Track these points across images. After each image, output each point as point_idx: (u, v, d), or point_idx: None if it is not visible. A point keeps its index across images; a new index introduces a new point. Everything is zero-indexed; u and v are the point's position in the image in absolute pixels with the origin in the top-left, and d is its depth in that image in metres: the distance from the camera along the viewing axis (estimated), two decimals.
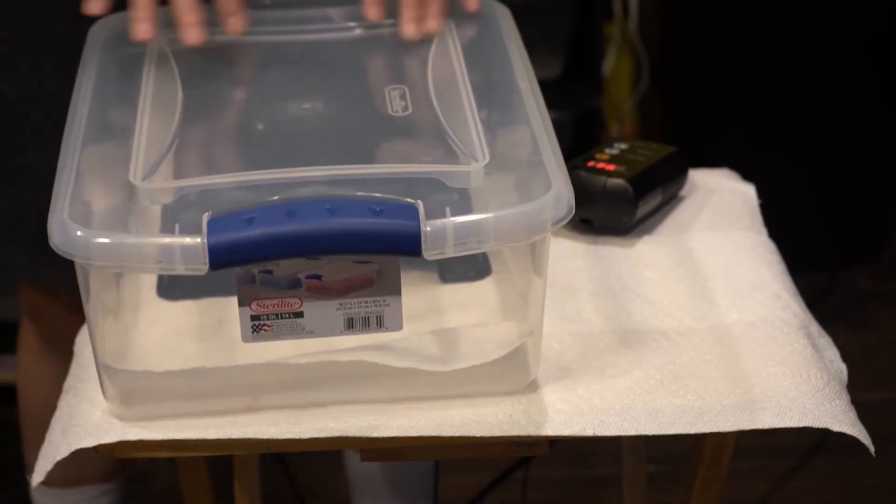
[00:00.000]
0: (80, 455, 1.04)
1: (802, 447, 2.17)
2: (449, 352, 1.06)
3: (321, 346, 1.03)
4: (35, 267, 1.46)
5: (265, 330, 1.00)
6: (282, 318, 1.00)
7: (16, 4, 1.36)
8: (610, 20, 2.73)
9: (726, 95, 2.59)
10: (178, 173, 1.03)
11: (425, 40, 1.18)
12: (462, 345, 1.07)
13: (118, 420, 1.04)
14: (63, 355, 1.31)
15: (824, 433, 1.05)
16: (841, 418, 1.05)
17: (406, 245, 0.94)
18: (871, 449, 1.06)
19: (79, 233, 0.94)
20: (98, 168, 1.03)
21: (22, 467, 1.70)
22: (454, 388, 1.05)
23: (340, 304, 1.00)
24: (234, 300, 0.99)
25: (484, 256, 1.16)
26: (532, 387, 1.07)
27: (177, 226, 0.95)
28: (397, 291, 1.00)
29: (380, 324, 1.01)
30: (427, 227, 0.94)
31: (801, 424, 1.05)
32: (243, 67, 1.19)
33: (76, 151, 1.03)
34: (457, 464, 1.66)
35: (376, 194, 0.96)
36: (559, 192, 0.97)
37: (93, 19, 1.19)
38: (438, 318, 1.11)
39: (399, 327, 1.01)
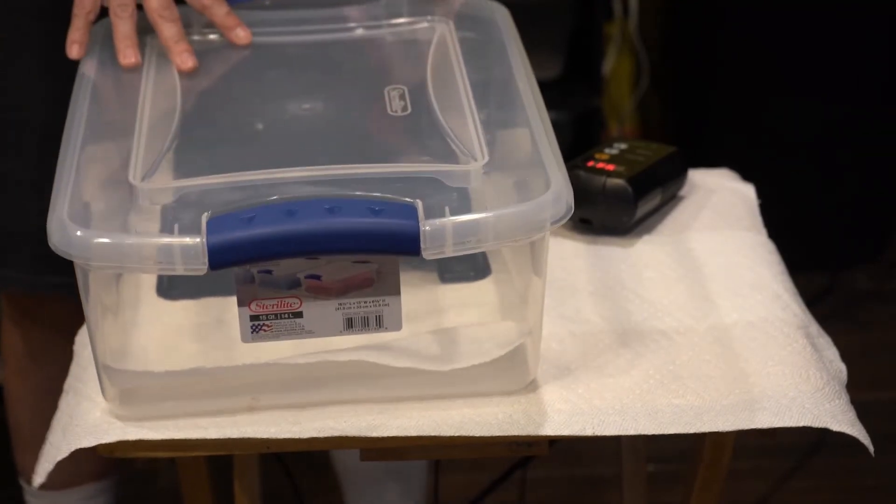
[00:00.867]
0: (75, 455, 1.04)
1: (802, 447, 2.17)
2: (448, 351, 1.06)
3: (320, 346, 1.03)
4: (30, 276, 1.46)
5: (264, 330, 1.00)
6: (281, 318, 1.00)
7: None
8: (610, 20, 2.73)
9: (726, 95, 2.59)
10: (178, 173, 1.03)
11: (425, 40, 1.18)
12: (462, 344, 1.07)
13: (118, 420, 1.04)
14: (49, 362, 1.31)
15: (824, 433, 1.05)
16: (840, 418, 1.05)
17: (405, 244, 0.94)
18: (871, 449, 1.06)
19: (78, 233, 0.94)
20: (98, 168, 1.03)
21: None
22: (454, 387, 1.05)
23: (340, 304, 1.00)
24: (233, 300, 1.00)
25: (483, 256, 1.16)
26: (531, 387, 1.07)
27: (176, 226, 0.95)
28: (397, 291, 1.00)
29: (379, 324, 1.01)
30: (426, 226, 0.94)
31: (801, 424, 1.05)
32: (243, 67, 1.19)
33: (76, 151, 1.03)
34: (457, 464, 1.66)
35: (375, 194, 0.96)
36: (558, 191, 0.97)
37: (65, 23, 1.18)
38: (438, 318, 1.11)
39: (398, 327, 1.01)
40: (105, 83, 1.12)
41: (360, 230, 0.94)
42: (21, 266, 1.45)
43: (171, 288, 1.15)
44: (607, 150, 1.27)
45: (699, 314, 1.15)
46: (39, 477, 1.06)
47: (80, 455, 1.04)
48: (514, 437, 1.04)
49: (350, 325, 1.01)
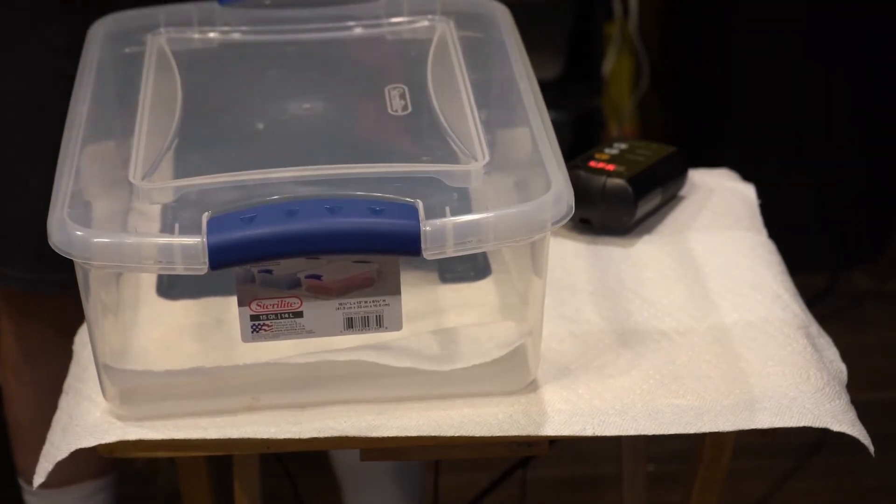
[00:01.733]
0: (74, 453, 1.04)
1: (802, 447, 2.17)
2: (449, 351, 1.06)
3: (321, 346, 1.03)
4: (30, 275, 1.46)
5: (265, 330, 1.00)
6: (281, 317, 1.00)
7: None
8: (610, 20, 2.73)
9: (726, 95, 2.59)
10: (178, 173, 1.03)
11: (425, 39, 1.18)
12: (462, 345, 1.07)
13: (118, 420, 1.04)
14: (48, 361, 1.32)
15: (824, 433, 1.05)
16: (841, 418, 1.05)
17: (406, 245, 0.94)
18: (871, 449, 1.06)
19: (78, 232, 0.94)
20: (98, 167, 1.03)
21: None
22: (454, 387, 1.05)
23: (340, 304, 1.00)
24: (233, 300, 0.99)
25: (484, 256, 1.16)
26: (532, 387, 1.06)
27: (176, 225, 0.95)
28: (397, 291, 1.00)
29: (379, 323, 1.01)
30: (427, 226, 0.94)
31: (801, 424, 1.05)
32: (243, 67, 1.19)
33: (76, 151, 1.02)
34: (457, 464, 1.65)
35: (376, 194, 0.96)
36: (559, 191, 0.96)
37: (54, 18, 1.18)
38: (438, 318, 1.11)
39: (399, 327, 1.01)
40: (105, 83, 1.12)
41: (361, 230, 0.94)
42: (21, 264, 1.46)
43: (171, 287, 1.15)
44: (607, 150, 1.27)
45: (699, 314, 1.15)
46: (39, 477, 1.05)
47: (79, 453, 1.04)
48: (514, 437, 1.04)
49: (350, 325, 1.01)
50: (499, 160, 1.01)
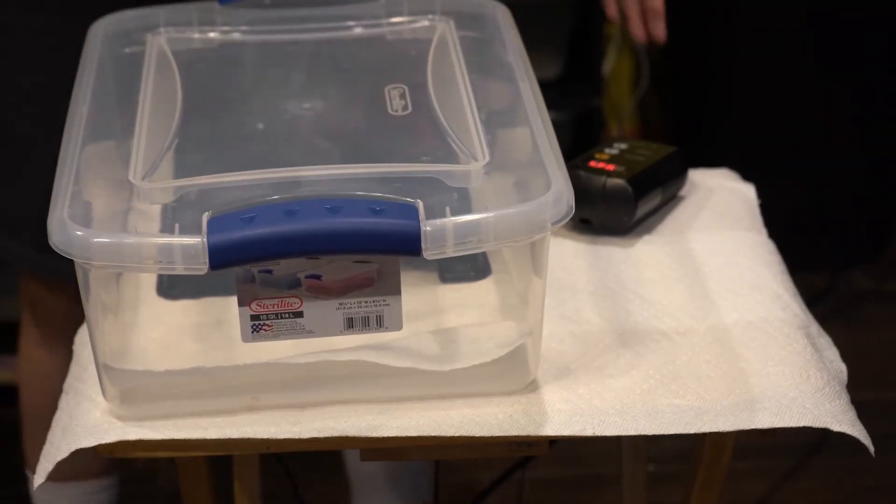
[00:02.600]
0: (79, 450, 1.04)
1: (802, 447, 2.17)
2: (449, 352, 1.06)
3: (321, 346, 1.03)
4: (37, 257, 1.46)
5: (265, 330, 1.00)
6: (281, 317, 1.00)
7: None
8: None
9: (726, 95, 2.59)
10: (178, 172, 1.03)
11: (425, 39, 1.18)
12: (462, 345, 1.07)
13: (118, 420, 1.04)
14: (64, 348, 1.31)
15: (824, 433, 1.05)
16: (841, 418, 1.05)
17: (406, 245, 0.94)
18: (871, 449, 1.06)
19: (78, 232, 0.94)
20: (98, 167, 1.03)
21: (21, 466, 1.70)
22: (454, 387, 1.05)
23: (340, 304, 1.00)
24: (233, 300, 0.99)
25: (484, 256, 1.16)
26: (532, 387, 1.06)
27: (176, 225, 0.95)
28: (397, 291, 1.00)
29: (379, 323, 1.01)
30: (427, 226, 0.94)
31: (801, 424, 1.05)
32: (243, 67, 1.19)
33: (76, 151, 1.03)
34: (457, 464, 1.66)
35: (376, 194, 0.96)
36: (559, 191, 0.97)
37: (48, 11, 1.18)
38: (438, 318, 1.11)
39: (399, 327, 1.01)
40: (105, 83, 1.12)
41: (361, 230, 0.94)
42: (32, 244, 1.46)
43: (171, 287, 1.15)
44: (607, 150, 1.27)
45: (699, 314, 1.15)
46: (40, 477, 1.05)
47: (85, 451, 1.04)
48: (514, 437, 1.04)
49: (350, 325, 1.01)
50: (499, 160, 1.01)
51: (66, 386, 1.11)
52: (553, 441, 1.06)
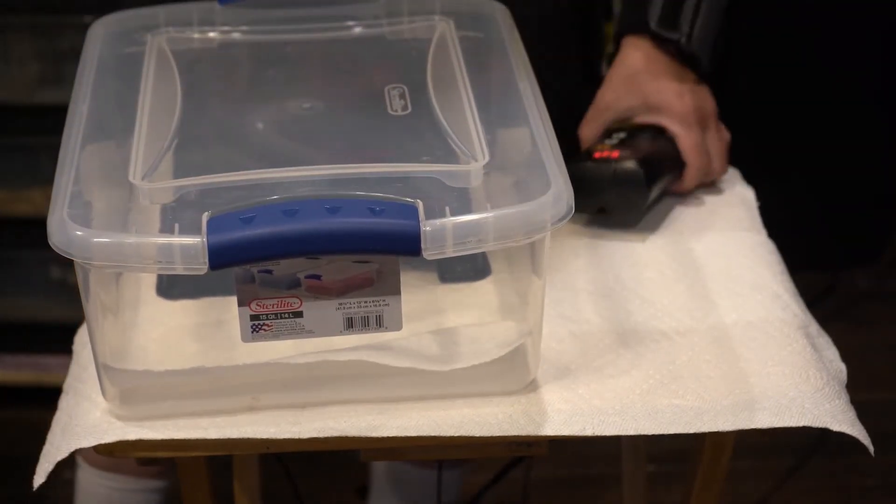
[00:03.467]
0: None
1: (802, 447, 2.17)
2: (448, 352, 1.06)
3: (321, 346, 1.03)
4: None
5: (265, 330, 1.00)
6: (281, 317, 1.00)
7: None
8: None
9: (727, 96, 2.58)
10: (178, 172, 1.03)
11: (425, 39, 1.18)
12: (462, 345, 1.07)
13: (118, 420, 1.04)
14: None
15: (824, 433, 1.05)
16: (840, 418, 1.05)
17: (406, 245, 0.94)
18: (871, 449, 1.06)
19: (78, 232, 0.94)
20: (98, 167, 1.03)
21: (21, 466, 1.70)
22: (454, 387, 1.05)
23: (340, 304, 1.00)
24: (233, 300, 0.99)
25: (483, 256, 1.16)
26: (531, 387, 1.06)
27: (176, 225, 0.95)
28: (397, 291, 1.00)
29: (379, 323, 1.01)
30: (426, 226, 0.94)
31: (801, 424, 1.05)
32: (243, 67, 1.19)
33: (76, 151, 1.02)
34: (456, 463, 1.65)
35: (376, 194, 0.96)
36: (558, 191, 0.97)
37: None
38: (438, 318, 1.11)
39: (399, 327, 1.01)
40: (105, 83, 1.12)
41: (361, 230, 0.94)
42: None
43: (171, 287, 1.15)
44: (607, 142, 1.27)
45: (699, 314, 1.15)
46: (39, 478, 1.05)
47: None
48: (514, 437, 1.04)
49: (350, 325, 1.01)
50: (499, 160, 1.01)
51: (65, 386, 1.11)
52: (553, 440, 1.06)
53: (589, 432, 1.04)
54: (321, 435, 1.03)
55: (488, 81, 1.12)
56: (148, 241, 0.94)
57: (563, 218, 0.97)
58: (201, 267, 0.94)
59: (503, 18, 1.19)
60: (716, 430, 1.04)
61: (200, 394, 1.04)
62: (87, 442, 1.03)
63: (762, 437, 1.08)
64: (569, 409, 1.05)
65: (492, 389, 1.06)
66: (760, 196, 1.33)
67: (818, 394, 1.06)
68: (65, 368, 1.14)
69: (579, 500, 2.12)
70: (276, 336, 1.00)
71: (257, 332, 1.00)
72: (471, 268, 1.16)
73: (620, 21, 1.37)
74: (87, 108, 1.08)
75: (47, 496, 1.90)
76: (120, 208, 0.99)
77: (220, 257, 0.93)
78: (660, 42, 1.31)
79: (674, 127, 1.28)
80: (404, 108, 1.09)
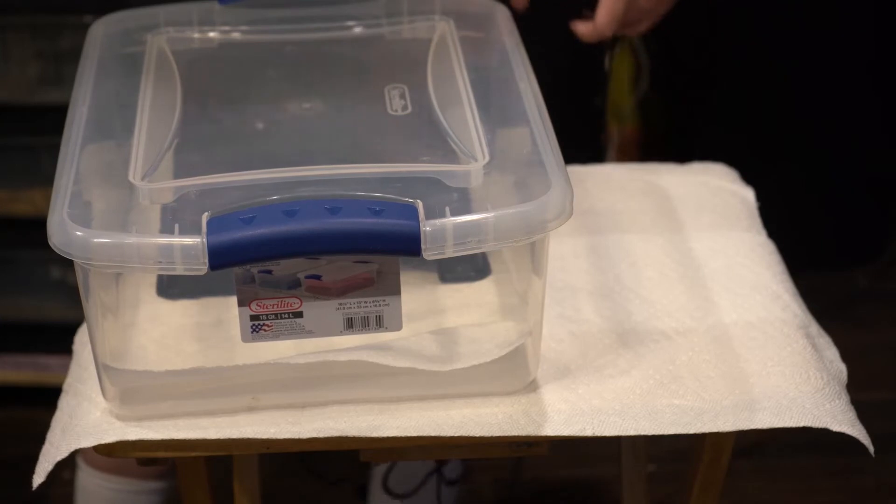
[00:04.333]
0: None
1: (802, 447, 2.17)
2: (449, 352, 1.06)
3: (321, 346, 1.03)
4: None
5: (265, 330, 1.00)
6: (281, 317, 1.00)
7: None
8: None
9: (726, 95, 2.59)
10: (178, 173, 1.03)
11: (425, 39, 1.18)
12: (462, 345, 1.07)
13: (118, 420, 1.04)
14: None
15: (824, 433, 1.05)
16: (840, 418, 1.05)
17: (406, 245, 0.94)
18: (871, 449, 1.06)
19: (78, 233, 0.94)
20: (98, 168, 1.03)
21: (20, 466, 1.70)
22: (454, 387, 1.05)
23: (340, 304, 1.00)
24: (233, 300, 1.00)
25: (483, 256, 1.16)
26: (531, 387, 1.07)
27: (176, 225, 0.95)
28: (397, 291, 1.00)
29: (379, 324, 1.01)
30: (427, 226, 0.94)
31: (801, 424, 1.05)
32: (243, 67, 1.19)
33: (76, 151, 1.03)
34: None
35: (376, 194, 0.96)
36: (559, 191, 0.97)
37: None
38: (438, 318, 1.11)
39: (399, 327, 1.01)
40: (105, 83, 1.12)
41: (361, 230, 0.94)
42: None
43: (171, 287, 1.15)
44: None
45: (699, 314, 1.15)
46: (39, 477, 1.05)
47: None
48: (514, 437, 1.04)
49: (350, 325, 1.01)
50: (499, 160, 1.01)
51: (65, 386, 1.11)
52: (553, 440, 1.06)
53: (589, 432, 1.04)
54: (321, 435, 1.03)
55: (488, 81, 1.12)
56: (148, 242, 0.94)
57: (563, 218, 0.97)
58: (201, 267, 0.94)
59: (503, 18, 1.19)
60: (716, 430, 1.04)
61: (200, 394, 1.04)
62: (87, 442, 1.03)
63: (762, 437, 1.08)
64: (569, 409, 1.05)
65: (492, 389, 1.06)
66: (760, 196, 1.33)
67: (818, 394, 1.06)
68: (65, 368, 1.14)
69: (579, 500, 2.12)
70: (276, 336, 1.00)
71: (257, 332, 1.00)
72: (471, 268, 1.16)
73: None
74: (87, 108, 1.08)
75: (47, 496, 1.91)
76: (120, 208, 0.99)
77: (220, 257, 0.93)
78: None
79: None
80: (404, 108, 1.09)
